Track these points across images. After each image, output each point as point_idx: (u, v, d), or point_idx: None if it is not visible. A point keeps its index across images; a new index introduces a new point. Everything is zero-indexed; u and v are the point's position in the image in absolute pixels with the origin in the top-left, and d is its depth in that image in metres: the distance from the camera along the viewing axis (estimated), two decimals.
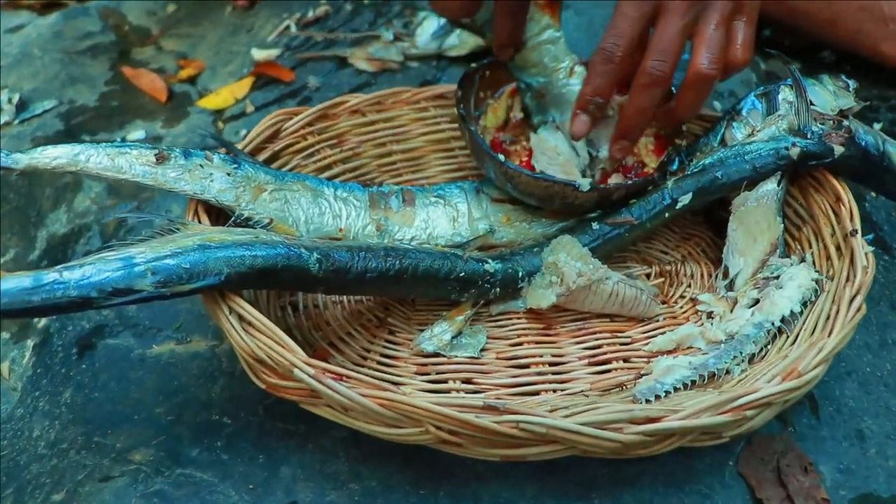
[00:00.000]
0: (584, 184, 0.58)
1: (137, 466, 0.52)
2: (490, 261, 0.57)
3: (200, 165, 0.55)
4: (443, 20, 0.79)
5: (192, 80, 1.02)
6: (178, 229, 0.50)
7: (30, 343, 0.67)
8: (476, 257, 0.57)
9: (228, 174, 0.56)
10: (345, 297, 0.62)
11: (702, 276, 0.63)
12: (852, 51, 0.86)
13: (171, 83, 0.99)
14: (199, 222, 0.54)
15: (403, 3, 0.89)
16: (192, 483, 0.51)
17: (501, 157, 0.60)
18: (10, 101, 0.93)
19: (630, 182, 0.60)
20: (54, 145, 0.51)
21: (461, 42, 0.78)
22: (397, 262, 0.54)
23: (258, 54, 0.96)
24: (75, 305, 0.45)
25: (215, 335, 0.63)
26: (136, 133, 0.88)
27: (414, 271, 0.54)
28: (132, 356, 0.62)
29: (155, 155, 0.53)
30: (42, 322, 0.68)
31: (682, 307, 0.61)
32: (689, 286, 0.63)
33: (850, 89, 0.63)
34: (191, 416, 0.56)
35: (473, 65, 0.67)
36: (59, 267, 0.45)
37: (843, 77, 0.64)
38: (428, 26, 0.80)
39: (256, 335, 0.47)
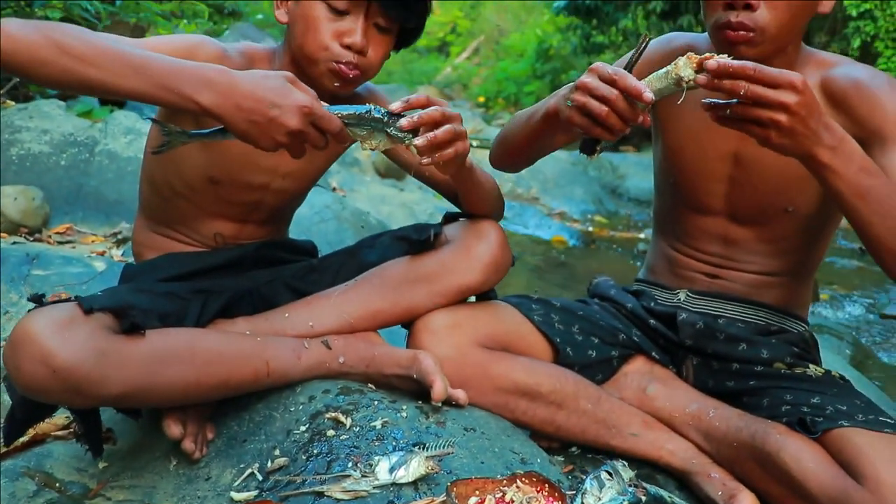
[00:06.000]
0: None
1: None
2: None
3: None
4: (394, 460, 1.28)
5: None
6: None
7: None
8: None
9: None
10: None
11: None
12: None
13: None
14: None
15: (348, 452, 1.35)
16: None
17: None
18: None
19: None
20: None
21: (410, 473, 1.27)
22: None
23: (238, 496, 1.29)
24: None
25: None
26: None
27: None
28: None
29: None
30: None
31: None
32: None
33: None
34: None
35: None
36: None
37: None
38: (384, 466, 1.28)
39: None
